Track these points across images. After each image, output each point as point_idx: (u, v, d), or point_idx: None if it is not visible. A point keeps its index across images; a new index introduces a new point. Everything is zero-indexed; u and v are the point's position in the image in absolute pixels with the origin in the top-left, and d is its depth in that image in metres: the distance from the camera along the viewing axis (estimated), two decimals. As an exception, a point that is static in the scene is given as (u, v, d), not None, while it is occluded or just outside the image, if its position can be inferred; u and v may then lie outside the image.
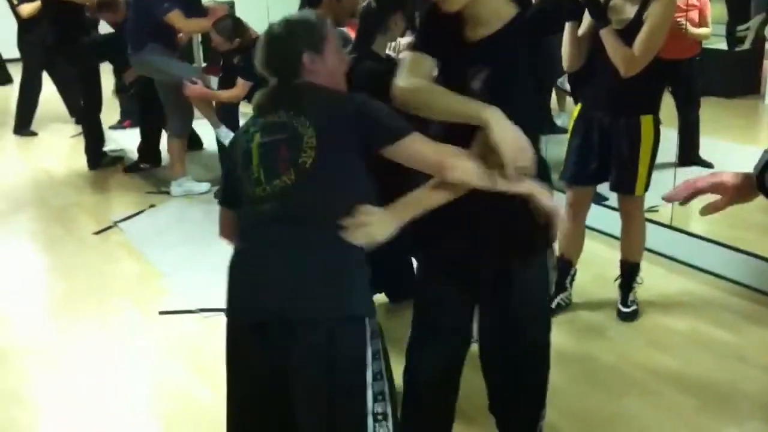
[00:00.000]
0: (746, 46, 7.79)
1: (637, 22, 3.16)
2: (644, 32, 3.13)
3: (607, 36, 3.16)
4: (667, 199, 1.61)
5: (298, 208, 1.86)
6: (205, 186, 5.81)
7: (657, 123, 3.39)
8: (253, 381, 1.90)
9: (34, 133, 7.99)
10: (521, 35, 1.98)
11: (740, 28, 7.97)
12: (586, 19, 3.29)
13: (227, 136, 5.33)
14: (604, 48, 3.19)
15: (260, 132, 1.96)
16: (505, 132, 1.83)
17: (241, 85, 5.25)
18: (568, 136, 3.58)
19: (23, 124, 8.00)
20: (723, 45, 7.87)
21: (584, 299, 3.87)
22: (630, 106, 3.36)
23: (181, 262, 4.58)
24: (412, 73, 2.01)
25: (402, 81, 2.00)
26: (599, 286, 3.97)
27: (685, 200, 1.58)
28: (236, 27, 5.33)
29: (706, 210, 1.57)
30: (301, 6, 3.97)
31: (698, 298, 3.91)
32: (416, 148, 1.90)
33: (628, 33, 3.15)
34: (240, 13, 10.10)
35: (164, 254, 4.72)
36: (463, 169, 1.86)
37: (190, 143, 6.32)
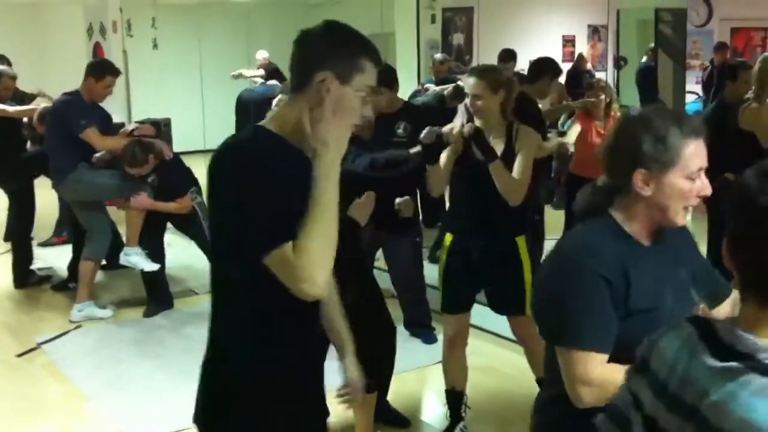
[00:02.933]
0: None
1: (509, 153, 3.37)
2: (520, 162, 3.36)
3: (497, 170, 3.33)
4: None
5: None
6: (107, 312, 5.64)
7: (529, 242, 3.54)
8: None
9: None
10: None
11: (659, 147, 8.40)
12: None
13: (135, 261, 5.33)
14: (476, 179, 3.36)
15: None
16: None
17: (187, 197, 5.30)
18: (441, 265, 3.63)
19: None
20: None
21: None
22: (503, 229, 3.49)
23: (108, 384, 4.45)
24: None
25: None
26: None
27: None
28: (142, 152, 5.34)
29: None
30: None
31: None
32: None
33: (502, 164, 3.34)
34: (177, 127, 10.27)
35: (90, 376, 4.58)
36: None
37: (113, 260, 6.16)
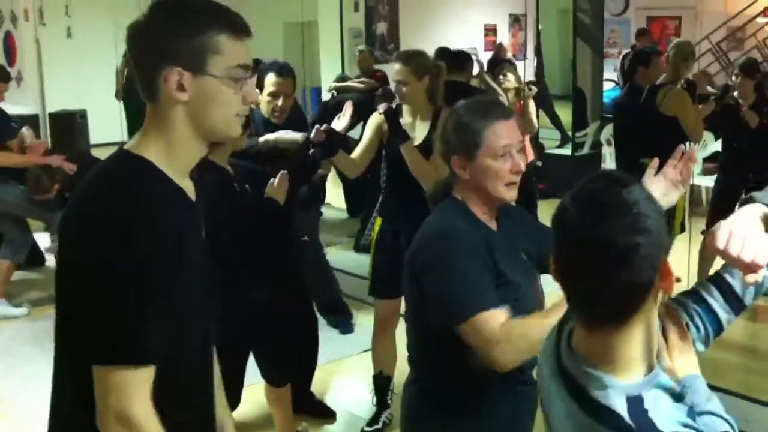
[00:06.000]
0: (585, 150, 8.36)
1: (431, 138, 3.32)
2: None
3: (408, 151, 3.33)
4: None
5: None
6: (22, 310, 5.44)
7: None
8: None
9: None
10: None
11: (579, 134, 8.55)
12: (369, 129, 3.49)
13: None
14: (399, 164, 3.36)
15: None
16: None
17: None
18: (371, 251, 3.65)
19: None
20: (567, 150, 8.41)
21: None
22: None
23: (23, 384, 4.29)
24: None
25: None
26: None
27: None
28: (48, 178, 5.14)
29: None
30: None
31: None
32: None
33: (424, 148, 3.34)
34: (94, 119, 9.97)
35: (5, 376, 4.42)
36: None
37: (31, 259, 6.00)
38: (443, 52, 5.10)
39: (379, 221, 3.64)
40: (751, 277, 1.32)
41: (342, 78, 7.92)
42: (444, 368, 1.97)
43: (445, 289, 1.85)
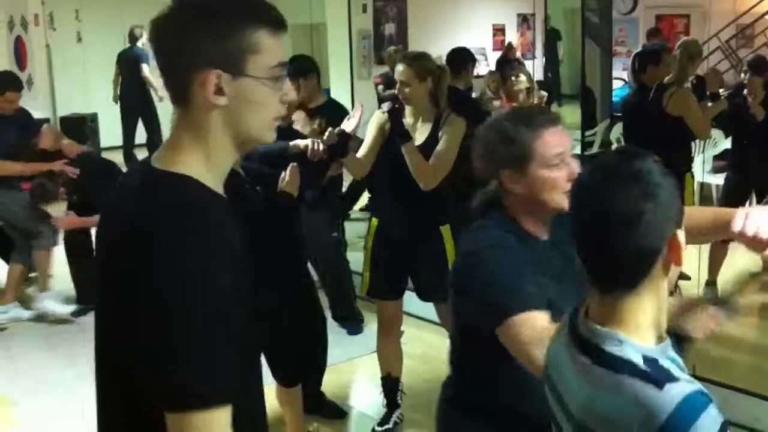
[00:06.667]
0: (594, 149, 8.33)
1: (432, 140, 3.38)
2: (440, 148, 3.37)
3: (410, 151, 3.33)
4: None
5: None
6: (32, 313, 5.46)
7: (456, 232, 3.52)
8: None
9: None
10: None
11: (588, 133, 8.53)
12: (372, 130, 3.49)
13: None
14: (399, 165, 3.35)
15: None
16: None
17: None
18: (366, 251, 3.66)
19: None
20: (576, 149, 8.40)
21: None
22: (425, 217, 3.50)
23: (35, 388, 4.31)
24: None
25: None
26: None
27: None
28: (53, 184, 5.01)
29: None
30: None
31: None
32: None
33: (424, 150, 3.35)
34: (103, 122, 10.01)
35: (16, 380, 4.44)
36: None
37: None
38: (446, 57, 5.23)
39: (374, 222, 3.64)
40: None
41: (389, 82, 7.92)
42: (482, 382, 1.94)
43: (489, 289, 1.79)
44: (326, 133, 3.38)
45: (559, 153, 1.82)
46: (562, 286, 1.77)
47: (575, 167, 1.82)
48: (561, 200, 1.77)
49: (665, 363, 1.22)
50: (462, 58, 5.42)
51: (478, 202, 1.97)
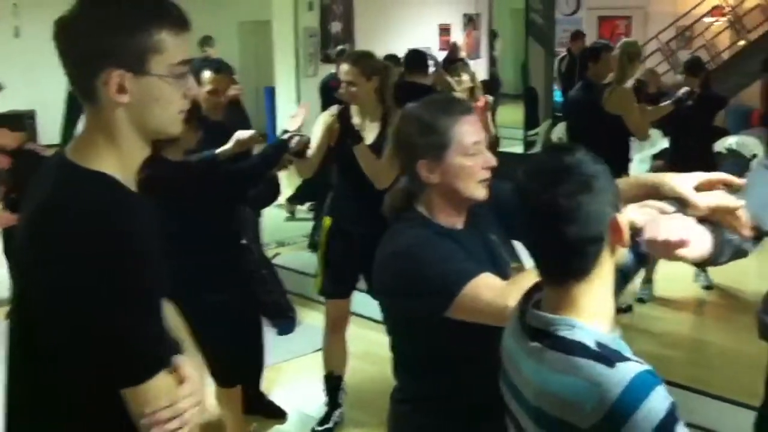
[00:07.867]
0: (537, 149, 8.43)
1: (382, 138, 3.34)
2: (389, 146, 3.33)
3: (361, 152, 3.33)
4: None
5: None
6: None
7: None
8: None
9: None
10: None
11: (530, 132, 8.63)
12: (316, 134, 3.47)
13: None
14: (352, 165, 3.34)
15: None
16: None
17: None
18: (320, 251, 3.64)
19: None
20: (519, 148, 8.48)
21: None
22: (382, 217, 3.47)
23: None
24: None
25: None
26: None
27: None
28: None
29: None
30: None
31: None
32: None
33: (375, 148, 3.34)
34: (44, 120, 9.80)
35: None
36: None
37: None
38: (406, 55, 5.28)
39: (327, 221, 3.63)
40: (746, 231, 1.57)
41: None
42: (432, 385, 1.89)
43: (424, 279, 1.74)
44: (293, 141, 3.33)
45: (476, 141, 1.82)
46: (483, 268, 1.76)
47: (490, 157, 1.83)
48: (475, 189, 1.81)
49: (616, 346, 1.26)
50: (425, 56, 5.45)
51: (388, 204, 1.94)
